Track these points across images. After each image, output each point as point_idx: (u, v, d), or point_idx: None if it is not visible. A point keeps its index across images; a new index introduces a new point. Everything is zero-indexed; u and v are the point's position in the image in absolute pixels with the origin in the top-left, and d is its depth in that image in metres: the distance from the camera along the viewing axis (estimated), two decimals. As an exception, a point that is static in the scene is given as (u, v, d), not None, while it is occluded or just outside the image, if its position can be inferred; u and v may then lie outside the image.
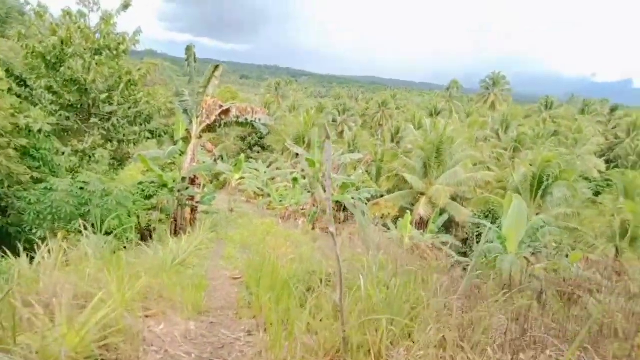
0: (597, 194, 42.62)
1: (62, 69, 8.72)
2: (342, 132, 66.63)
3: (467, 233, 29.72)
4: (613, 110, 72.64)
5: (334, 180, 18.26)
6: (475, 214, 29.70)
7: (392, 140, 53.44)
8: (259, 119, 14.12)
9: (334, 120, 69.99)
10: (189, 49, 13.80)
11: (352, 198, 20.74)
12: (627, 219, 28.25)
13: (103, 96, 9.32)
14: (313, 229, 15.65)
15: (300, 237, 11.09)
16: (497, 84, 77.78)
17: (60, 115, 9.09)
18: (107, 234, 6.51)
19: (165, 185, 13.79)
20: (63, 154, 8.71)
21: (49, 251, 5.25)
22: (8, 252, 4.66)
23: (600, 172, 50.37)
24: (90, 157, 9.30)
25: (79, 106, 9.59)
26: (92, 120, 9.55)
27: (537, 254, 12.88)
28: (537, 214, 30.73)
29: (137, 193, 14.83)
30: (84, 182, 8.05)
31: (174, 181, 14.28)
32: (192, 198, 13.67)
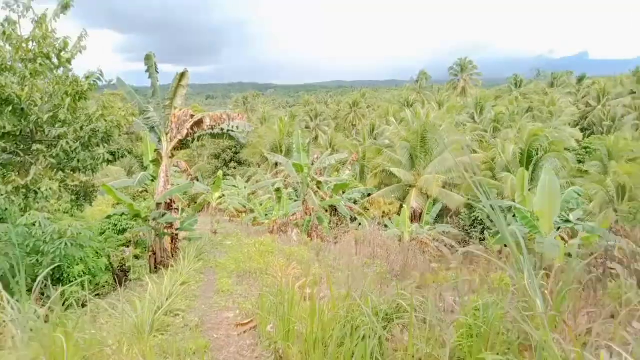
0: (579, 162, 42.50)
1: (-13, 87, 7.01)
2: (316, 137, 65.37)
3: (462, 220, 28.70)
4: (580, 80, 73.63)
5: (326, 184, 16.78)
6: (470, 198, 28.69)
7: (370, 138, 52.43)
8: (237, 127, 12.51)
9: (307, 127, 68.76)
10: (148, 57, 12.10)
11: (344, 201, 19.36)
12: (622, 181, 27.74)
13: (46, 116, 7.58)
14: (310, 239, 14.10)
15: (304, 253, 9.54)
16: (465, 69, 77.74)
17: (-5, 148, 7.38)
18: (67, 283, 4.86)
19: (138, 215, 12.05)
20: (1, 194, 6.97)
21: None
22: None
23: (577, 141, 50.42)
24: (36, 192, 7.56)
25: (18, 133, 7.84)
26: (36, 147, 7.78)
27: (564, 229, 11.64)
28: (529, 190, 30.09)
29: (109, 229, 13.10)
30: (31, 224, 6.37)
31: (148, 210, 12.57)
32: (170, 225, 11.95)
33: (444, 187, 30.13)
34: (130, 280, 9.25)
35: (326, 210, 16.69)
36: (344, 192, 22.22)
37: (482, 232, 26.38)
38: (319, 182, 16.54)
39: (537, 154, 30.07)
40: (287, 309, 3.56)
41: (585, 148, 48.04)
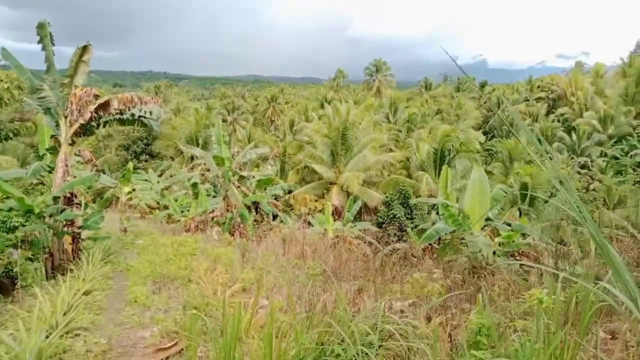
0: (485, 163, 45.53)
1: None
2: (234, 131, 63.59)
3: (380, 217, 29.17)
4: (482, 86, 79.01)
5: (249, 179, 15.84)
6: (388, 196, 29.20)
7: (290, 134, 51.95)
8: (150, 112, 11.21)
9: (224, 120, 66.63)
10: (41, 26, 10.37)
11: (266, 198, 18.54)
12: (525, 182, 29.91)
13: None
14: (233, 238, 13.12)
15: (230, 254, 8.62)
16: (380, 70, 80.00)
17: None
18: None
19: (31, 211, 10.31)
20: None
21: None
22: None
23: (481, 143, 53.90)
24: None
25: None
26: None
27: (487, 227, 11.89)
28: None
29: (-5, 227, 11.10)
30: None
31: (45, 204, 10.83)
32: (71, 223, 10.37)
33: (363, 184, 30.47)
34: (20, 288, 7.75)
35: (248, 207, 15.79)
36: (265, 189, 21.37)
37: (399, 230, 26.90)
38: (241, 177, 15.56)
39: (450, 154, 31.53)
40: (229, 336, 2.69)
41: (488, 150, 51.68)
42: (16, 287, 7.88)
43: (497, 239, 10.39)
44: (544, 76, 79.63)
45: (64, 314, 4.58)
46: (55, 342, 3.86)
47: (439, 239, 12.91)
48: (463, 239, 10.79)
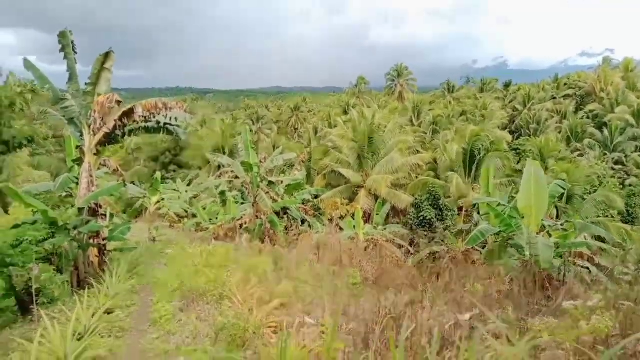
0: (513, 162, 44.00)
1: None
2: (259, 139, 63.81)
3: (410, 219, 28.29)
4: (507, 86, 77.11)
5: (278, 184, 15.30)
6: (417, 198, 28.23)
7: (314, 140, 51.68)
8: (175, 118, 10.80)
9: (250, 130, 66.85)
10: (63, 35, 10.12)
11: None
12: (561, 178, 28.52)
13: None
14: (264, 245, 12.57)
15: (263, 264, 8.00)
16: (402, 75, 78.89)
17: None
18: None
19: (54, 224, 9.99)
20: None
21: None
22: None
23: (507, 143, 52.21)
24: None
25: None
26: None
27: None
28: (472, 189, 30.33)
29: (26, 240, 10.83)
30: None
31: (74, 217, 10.52)
32: (97, 235, 10.00)
33: (391, 187, 29.69)
34: (40, 304, 7.33)
35: (277, 213, 15.26)
36: (292, 195, 20.89)
37: (429, 231, 26.01)
38: (270, 182, 15.04)
39: (480, 154, 30.38)
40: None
41: (515, 149, 49.93)
42: (37, 303, 7.48)
43: (551, 240, 9.51)
44: (571, 73, 76.98)
45: (80, 339, 4.04)
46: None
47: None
48: (510, 239, 9.95)
